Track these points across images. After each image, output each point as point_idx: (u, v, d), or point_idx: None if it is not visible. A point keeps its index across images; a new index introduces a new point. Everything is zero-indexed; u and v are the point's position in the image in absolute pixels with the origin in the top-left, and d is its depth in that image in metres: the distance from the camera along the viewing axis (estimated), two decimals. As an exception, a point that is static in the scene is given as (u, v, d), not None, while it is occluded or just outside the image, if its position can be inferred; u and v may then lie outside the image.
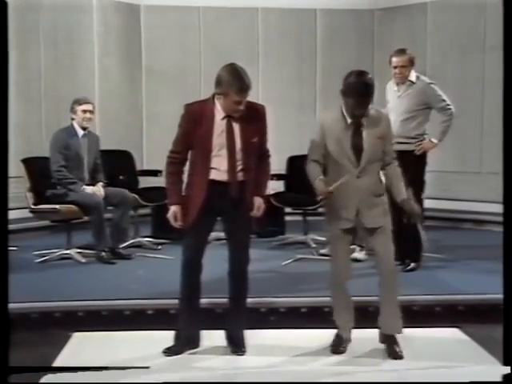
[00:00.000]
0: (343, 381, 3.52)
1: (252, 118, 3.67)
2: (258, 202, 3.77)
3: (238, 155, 3.66)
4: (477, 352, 3.90)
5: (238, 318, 3.88)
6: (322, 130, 3.71)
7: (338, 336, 3.88)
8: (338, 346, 3.84)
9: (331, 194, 3.63)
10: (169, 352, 3.81)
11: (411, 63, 5.32)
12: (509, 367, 3.07)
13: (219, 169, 3.65)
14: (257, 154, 3.74)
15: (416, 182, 4.62)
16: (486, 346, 3.90)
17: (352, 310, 3.88)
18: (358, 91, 3.57)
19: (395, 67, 5.28)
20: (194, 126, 3.64)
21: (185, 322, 3.85)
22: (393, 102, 5.34)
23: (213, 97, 3.65)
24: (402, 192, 3.75)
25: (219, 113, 3.63)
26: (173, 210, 3.71)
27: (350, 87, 3.59)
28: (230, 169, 3.65)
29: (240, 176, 3.69)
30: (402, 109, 5.23)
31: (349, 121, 3.66)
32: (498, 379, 3.41)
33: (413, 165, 4.90)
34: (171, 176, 3.77)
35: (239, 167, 3.68)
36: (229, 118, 3.63)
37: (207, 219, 3.73)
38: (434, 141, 5.26)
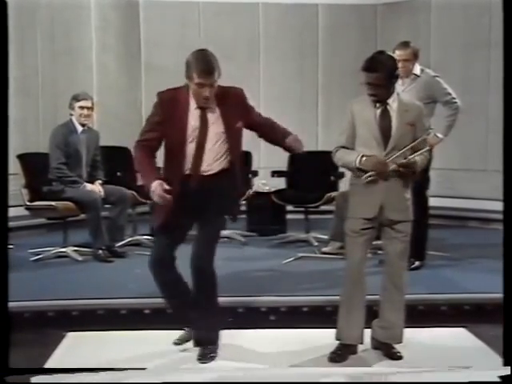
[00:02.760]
0: (345, 381, 3.41)
1: (231, 104, 3.58)
2: (292, 137, 3.66)
3: (222, 144, 3.57)
4: (484, 352, 3.82)
5: (208, 319, 3.70)
6: (352, 114, 3.65)
7: (342, 346, 3.69)
8: (337, 356, 3.65)
9: (388, 165, 3.52)
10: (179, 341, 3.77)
11: (415, 56, 5.18)
12: (509, 367, 2.91)
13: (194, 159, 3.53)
14: (255, 128, 3.69)
15: (420, 178, 4.54)
16: (493, 346, 3.81)
17: (363, 323, 3.68)
18: (366, 67, 3.56)
19: (398, 61, 5.14)
20: (168, 114, 3.52)
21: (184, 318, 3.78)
22: None
23: (187, 85, 3.56)
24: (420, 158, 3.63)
25: (193, 102, 3.54)
26: (154, 185, 3.44)
27: (363, 64, 3.59)
28: (194, 161, 3.54)
29: (220, 165, 3.59)
30: None
31: (377, 105, 3.59)
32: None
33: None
34: (142, 159, 3.56)
35: (221, 158, 3.59)
36: (203, 107, 3.53)
37: (184, 216, 3.58)
38: (440, 136, 5.07)
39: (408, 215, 3.67)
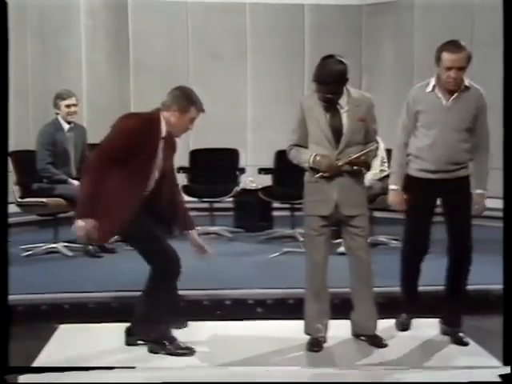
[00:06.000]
0: (344, 381, 3.48)
1: (173, 148, 3.81)
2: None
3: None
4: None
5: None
6: (302, 110, 3.70)
7: (313, 338, 3.81)
8: (313, 346, 3.77)
9: (340, 167, 3.60)
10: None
11: (469, 61, 3.71)
12: (508, 367, 3.09)
13: (150, 185, 3.66)
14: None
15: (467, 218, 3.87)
16: (471, 335, 3.92)
17: (327, 317, 3.81)
18: (320, 79, 3.59)
19: (449, 68, 3.65)
20: (140, 140, 3.53)
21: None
22: (436, 114, 3.78)
23: (157, 113, 3.65)
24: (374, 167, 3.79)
25: (163, 132, 3.64)
26: (88, 222, 3.47)
27: (315, 74, 3.61)
28: (157, 188, 3.68)
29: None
30: (456, 124, 3.77)
31: (326, 104, 3.64)
32: (486, 369, 3.46)
33: (464, 193, 3.86)
34: (98, 182, 3.48)
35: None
36: (165, 139, 3.66)
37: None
38: (481, 191, 3.88)
39: (363, 210, 3.75)
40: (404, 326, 4.06)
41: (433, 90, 3.78)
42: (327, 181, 3.65)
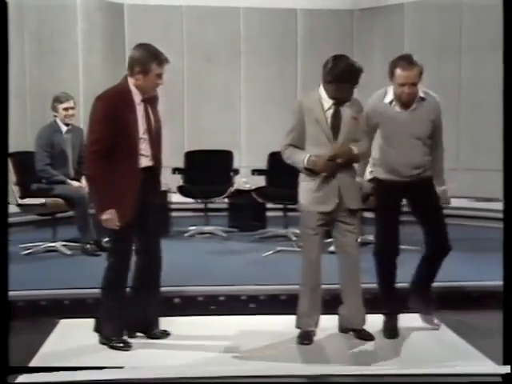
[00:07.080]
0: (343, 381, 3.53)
1: (155, 102, 3.78)
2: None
3: (156, 139, 3.74)
4: (447, 336, 4.03)
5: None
6: (302, 111, 3.78)
7: (304, 331, 3.93)
8: (304, 339, 3.91)
9: (334, 161, 3.72)
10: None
11: (421, 76, 3.82)
12: (508, 366, 3.11)
13: (146, 154, 3.68)
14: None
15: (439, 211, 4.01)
16: (456, 330, 4.06)
17: (319, 312, 3.93)
18: (340, 78, 3.65)
19: (403, 84, 3.77)
20: (117, 113, 3.55)
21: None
22: (395, 126, 3.88)
23: (125, 81, 3.65)
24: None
25: (137, 96, 3.64)
26: (110, 213, 3.57)
27: (331, 74, 3.66)
28: (155, 152, 3.71)
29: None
30: (416, 133, 3.89)
31: (328, 104, 3.74)
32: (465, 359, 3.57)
33: (430, 192, 4.02)
34: (102, 174, 3.56)
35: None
36: (144, 100, 3.67)
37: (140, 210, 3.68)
38: (444, 188, 4.07)
39: (360, 202, 3.93)
40: (392, 332, 4.02)
41: (391, 102, 3.88)
42: (329, 177, 3.77)
